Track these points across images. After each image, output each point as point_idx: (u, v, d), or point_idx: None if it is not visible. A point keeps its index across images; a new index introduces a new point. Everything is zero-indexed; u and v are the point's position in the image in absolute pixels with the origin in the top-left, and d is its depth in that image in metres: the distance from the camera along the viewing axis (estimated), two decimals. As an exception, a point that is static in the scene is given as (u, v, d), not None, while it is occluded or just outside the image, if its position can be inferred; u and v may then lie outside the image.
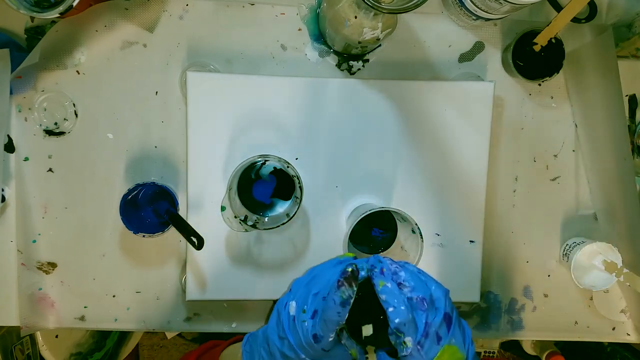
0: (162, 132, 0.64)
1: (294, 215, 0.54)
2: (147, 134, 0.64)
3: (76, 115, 0.63)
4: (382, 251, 0.61)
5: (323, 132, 0.62)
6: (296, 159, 0.62)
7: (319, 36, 0.64)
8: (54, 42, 0.60)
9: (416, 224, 0.54)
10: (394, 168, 0.63)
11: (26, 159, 0.63)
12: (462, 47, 0.65)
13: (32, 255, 0.64)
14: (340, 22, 0.52)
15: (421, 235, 0.54)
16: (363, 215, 0.54)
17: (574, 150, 0.68)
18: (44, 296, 0.65)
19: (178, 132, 0.64)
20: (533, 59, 0.63)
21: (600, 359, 0.95)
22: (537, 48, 0.62)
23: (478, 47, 0.65)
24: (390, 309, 0.41)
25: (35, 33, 0.63)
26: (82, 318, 0.66)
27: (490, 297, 0.69)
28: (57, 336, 0.88)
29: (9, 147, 0.63)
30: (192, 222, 0.60)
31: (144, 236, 0.59)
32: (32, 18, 0.62)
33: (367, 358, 0.43)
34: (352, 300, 0.40)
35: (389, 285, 0.42)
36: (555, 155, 0.67)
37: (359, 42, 0.55)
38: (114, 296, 0.65)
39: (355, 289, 0.40)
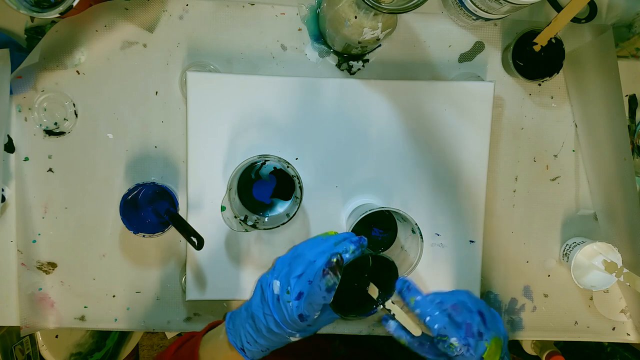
0: (162, 132, 0.64)
1: (294, 215, 0.54)
2: (147, 134, 0.64)
3: (76, 115, 0.63)
4: (382, 251, 0.61)
5: (323, 132, 0.62)
6: (296, 159, 0.62)
7: (319, 36, 0.64)
8: (54, 42, 0.60)
9: (416, 224, 0.54)
10: (394, 168, 0.63)
11: (26, 159, 0.63)
12: (462, 47, 0.65)
13: (32, 255, 0.64)
14: (340, 22, 0.52)
15: (421, 235, 0.54)
16: (363, 215, 0.54)
17: (574, 150, 0.68)
18: (44, 296, 0.65)
19: (178, 132, 0.64)
20: (533, 59, 0.63)
21: (600, 359, 0.95)
22: (537, 48, 0.62)
23: (478, 47, 0.65)
24: (427, 318, 0.45)
25: (35, 33, 0.63)
26: (82, 318, 0.66)
27: (490, 297, 0.69)
28: (57, 336, 0.88)
29: (9, 147, 0.63)
30: (192, 222, 0.60)
31: (144, 236, 0.59)
32: (32, 18, 0.62)
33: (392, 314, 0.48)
34: (336, 286, 0.43)
35: (418, 298, 0.46)
36: (555, 155, 0.67)
37: (359, 42, 0.55)
38: (114, 296, 0.65)
39: (339, 276, 0.43)
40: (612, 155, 0.64)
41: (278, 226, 0.54)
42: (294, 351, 0.71)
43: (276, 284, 0.46)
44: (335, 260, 0.43)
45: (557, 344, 1.09)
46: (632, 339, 0.70)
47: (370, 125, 0.62)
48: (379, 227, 0.62)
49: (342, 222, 0.63)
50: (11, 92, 0.61)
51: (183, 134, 0.63)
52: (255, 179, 0.59)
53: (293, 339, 0.48)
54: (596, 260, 0.63)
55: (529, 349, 1.12)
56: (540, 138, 0.67)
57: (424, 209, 0.63)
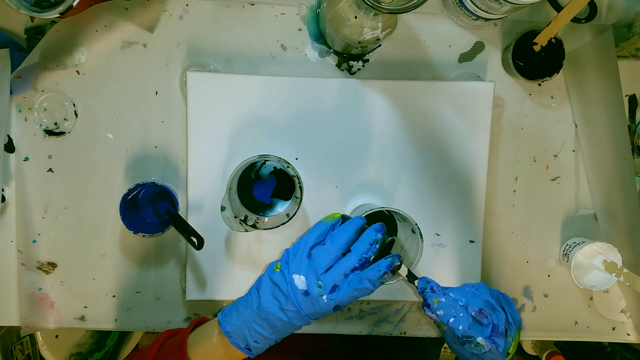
0: (162, 132, 0.64)
1: (294, 215, 0.54)
2: (147, 134, 0.64)
3: (76, 115, 0.63)
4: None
5: (323, 132, 0.62)
6: (296, 159, 0.62)
7: (319, 36, 0.64)
8: (54, 42, 0.60)
9: (416, 224, 0.54)
10: (393, 168, 0.63)
11: (26, 159, 0.63)
12: (462, 47, 0.65)
13: (32, 255, 0.64)
14: (340, 22, 0.52)
15: (421, 235, 0.54)
16: (363, 216, 0.54)
17: (574, 150, 0.68)
18: (44, 296, 0.65)
19: (178, 132, 0.64)
20: (533, 59, 0.63)
21: (600, 359, 0.95)
22: (537, 48, 0.62)
23: (478, 47, 0.65)
24: (451, 320, 0.46)
25: (35, 33, 0.63)
26: (82, 318, 0.66)
27: (490, 297, 0.69)
28: (57, 336, 0.88)
29: (9, 147, 0.63)
30: (192, 222, 0.60)
31: (144, 236, 0.59)
32: (32, 18, 0.62)
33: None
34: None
35: (443, 300, 0.47)
36: (555, 155, 0.67)
37: (359, 42, 0.55)
38: (114, 296, 0.65)
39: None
40: (612, 155, 0.64)
41: (278, 226, 0.54)
42: (295, 349, 0.71)
43: (300, 279, 0.46)
44: (398, 263, 0.46)
45: (557, 344, 1.09)
46: (632, 339, 0.70)
47: (370, 125, 0.62)
48: (379, 227, 0.62)
49: (342, 222, 0.63)
50: (11, 92, 0.61)
51: (183, 134, 0.63)
52: (255, 179, 0.59)
53: (305, 326, 0.50)
54: (596, 260, 0.63)
55: (529, 349, 1.12)
56: (540, 138, 0.67)
57: (424, 208, 0.63)
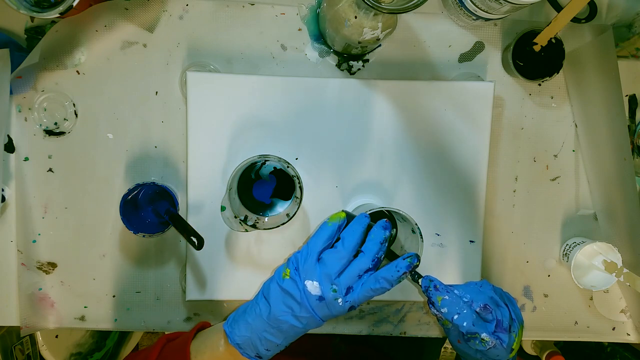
0: (162, 132, 0.64)
1: (294, 215, 0.54)
2: (147, 134, 0.64)
3: (76, 115, 0.63)
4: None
5: (323, 132, 0.62)
6: (296, 159, 0.62)
7: (319, 36, 0.64)
8: (54, 42, 0.60)
9: (416, 224, 0.54)
10: (394, 168, 0.63)
11: (26, 159, 0.63)
12: (462, 47, 0.65)
13: (32, 255, 0.64)
14: (340, 22, 0.52)
15: (421, 235, 0.54)
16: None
17: (574, 150, 0.68)
18: (44, 296, 0.65)
19: (178, 132, 0.64)
20: (533, 59, 0.63)
21: (600, 359, 0.95)
22: (537, 48, 0.62)
23: (478, 47, 0.65)
24: (456, 316, 0.46)
25: (35, 33, 0.63)
26: (82, 318, 0.66)
27: (490, 297, 0.69)
28: (57, 336, 0.88)
29: (9, 147, 0.63)
30: (192, 222, 0.60)
31: (144, 236, 0.59)
32: (32, 18, 0.62)
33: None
34: None
35: (446, 297, 0.47)
36: (555, 155, 0.67)
37: (359, 42, 0.55)
38: (114, 296, 0.66)
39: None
40: (612, 155, 0.64)
41: (278, 226, 0.54)
42: (296, 349, 0.71)
43: (313, 285, 0.46)
44: (417, 263, 0.47)
45: (557, 344, 1.09)
46: (632, 339, 0.70)
47: (370, 125, 0.62)
48: (379, 227, 0.62)
49: (342, 222, 0.63)
50: (11, 92, 0.61)
51: (183, 134, 0.63)
52: (255, 179, 0.59)
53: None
54: (596, 260, 0.63)
55: (529, 349, 1.12)
56: (540, 138, 0.67)
57: (424, 209, 0.63)
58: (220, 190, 0.60)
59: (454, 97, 0.62)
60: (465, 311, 0.46)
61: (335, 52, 0.64)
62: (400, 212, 0.54)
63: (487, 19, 0.60)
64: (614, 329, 0.70)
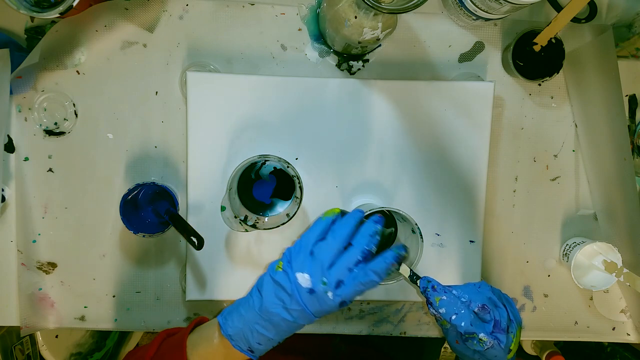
0: (162, 132, 0.64)
1: (294, 215, 0.54)
2: (147, 134, 0.64)
3: (76, 115, 0.63)
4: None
5: (323, 132, 0.62)
6: (296, 159, 0.62)
7: (319, 36, 0.64)
8: (54, 42, 0.60)
9: (416, 224, 0.54)
10: (393, 168, 0.63)
11: (26, 159, 0.63)
12: (462, 47, 0.65)
13: (32, 255, 0.64)
14: (340, 22, 0.52)
15: (421, 235, 0.54)
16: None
17: (574, 150, 0.68)
18: (44, 296, 0.65)
19: (178, 132, 0.64)
20: (533, 59, 0.63)
21: (600, 359, 0.95)
22: (537, 48, 0.62)
23: (478, 47, 0.65)
24: (454, 317, 0.46)
25: (35, 33, 0.63)
26: (82, 318, 0.66)
27: (490, 297, 0.69)
28: (57, 336, 0.88)
29: (9, 147, 0.63)
30: (192, 222, 0.60)
31: (144, 236, 0.59)
32: (32, 18, 0.62)
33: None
34: None
35: (444, 297, 0.47)
36: (555, 155, 0.67)
37: (359, 42, 0.55)
38: (114, 296, 0.65)
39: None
40: (612, 155, 0.64)
41: (278, 226, 0.54)
42: (295, 349, 0.71)
43: (304, 277, 0.46)
44: (404, 254, 0.47)
45: (557, 344, 1.09)
46: (632, 339, 0.70)
47: (370, 125, 0.62)
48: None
49: (342, 222, 0.63)
50: (11, 92, 0.61)
51: (183, 134, 0.63)
52: (255, 179, 0.59)
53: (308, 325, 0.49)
54: (596, 260, 0.63)
55: (529, 349, 1.12)
56: (540, 138, 0.67)
57: (424, 208, 0.63)
58: (220, 190, 0.60)
59: (454, 97, 0.62)
60: (463, 311, 0.46)
61: (335, 52, 0.64)
62: (400, 212, 0.54)
63: (487, 19, 0.60)
64: (614, 329, 0.70)
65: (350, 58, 0.64)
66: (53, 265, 0.65)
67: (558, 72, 0.63)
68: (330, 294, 0.45)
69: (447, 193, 0.63)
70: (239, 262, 0.63)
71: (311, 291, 0.45)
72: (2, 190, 0.62)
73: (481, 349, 0.46)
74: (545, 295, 0.69)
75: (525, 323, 0.69)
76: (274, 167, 0.58)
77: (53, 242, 0.64)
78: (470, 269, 0.64)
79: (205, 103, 0.60)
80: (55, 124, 0.63)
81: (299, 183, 0.54)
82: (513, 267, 0.68)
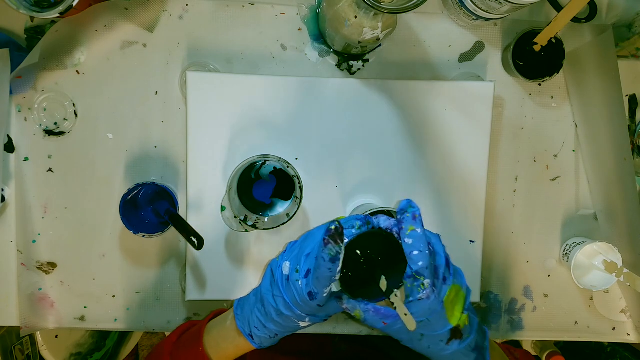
0: (162, 132, 0.64)
1: (294, 215, 0.54)
2: (147, 134, 0.64)
3: (76, 115, 0.63)
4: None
5: (323, 132, 0.62)
6: (296, 159, 0.62)
7: (319, 36, 0.64)
8: (53, 42, 0.60)
9: (416, 224, 0.54)
10: (393, 168, 0.63)
11: (26, 159, 0.63)
12: (462, 47, 0.65)
13: (32, 255, 0.64)
14: (340, 22, 0.52)
15: (421, 235, 0.54)
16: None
17: (574, 150, 0.68)
18: (44, 296, 0.65)
19: (178, 132, 0.64)
20: (533, 59, 0.63)
21: (600, 359, 0.95)
22: (537, 48, 0.62)
23: (478, 47, 0.65)
24: (415, 252, 0.42)
25: (35, 33, 0.63)
26: (82, 318, 0.66)
27: (490, 297, 0.69)
28: (57, 336, 0.88)
29: (9, 147, 0.63)
30: (192, 222, 0.60)
31: (144, 236, 0.59)
32: (32, 18, 0.62)
33: (394, 307, 0.43)
34: (340, 256, 0.41)
35: (418, 230, 0.42)
36: (555, 155, 0.67)
37: (359, 42, 0.55)
38: (114, 296, 0.65)
39: (342, 245, 0.41)
40: (612, 155, 0.64)
41: (278, 226, 0.54)
42: (295, 349, 0.71)
43: (286, 265, 0.45)
44: (334, 227, 0.40)
45: (557, 344, 1.09)
46: (632, 339, 0.70)
47: (370, 125, 0.62)
48: (379, 227, 0.62)
49: (342, 222, 0.63)
50: (11, 92, 0.61)
51: (183, 134, 0.63)
52: (255, 179, 0.59)
53: (303, 324, 0.47)
54: (596, 260, 0.63)
55: (529, 349, 1.12)
56: (540, 138, 0.67)
57: (424, 209, 0.63)
58: (220, 190, 0.60)
59: (454, 97, 0.62)
60: (426, 252, 0.42)
61: (335, 52, 0.64)
62: (400, 212, 0.54)
63: (487, 19, 0.60)
64: (614, 329, 0.70)
65: (350, 58, 0.64)
66: (53, 265, 0.65)
67: (558, 72, 0.63)
68: (300, 282, 0.43)
69: (447, 193, 0.63)
70: (239, 262, 0.63)
71: (288, 278, 0.45)
72: (2, 190, 0.62)
73: (414, 296, 0.42)
74: (546, 296, 0.69)
75: (525, 323, 0.69)
76: (274, 167, 0.58)
77: (53, 242, 0.64)
78: (470, 269, 0.64)
79: (205, 103, 0.60)
80: (55, 124, 0.63)
81: (299, 183, 0.54)
82: (513, 267, 0.68)
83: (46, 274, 0.65)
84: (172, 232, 0.64)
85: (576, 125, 0.67)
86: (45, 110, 0.63)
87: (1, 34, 0.61)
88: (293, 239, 0.62)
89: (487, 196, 0.64)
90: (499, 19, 0.63)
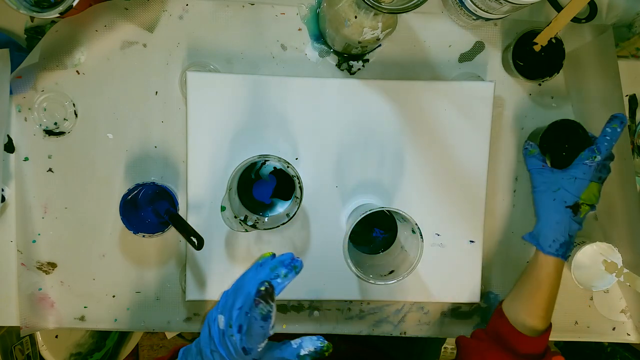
0: (162, 132, 0.64)
1: (294, 215, 0.54)
2: (147, 134, 0.64)
3: (76, 115, 0.63)
4: (382, 251, 0.61)
5: (323, 132, 0.62)
6: (296, 159, 0.62)
7: (319, 36, 0.64)
8: (53, 42, 0.60)
9: (416, 224, 0.54)
10: (393, 168, 0.63)
11: (26, 159, 0.63)
12: (462, 47, 0.65)
13: (32, 255, 0.64)
14: (340, 22, 0.52)
15: (421, 235, 0.54)
16: (363, 215, 0.54)
17: (574, 150, 0.68)
18: (44, 296, 0.65)
19: (178, 132, 0.64)
20: (533, 59, 0.63)
21: (600, 359, 0.95)
22: (537, 48, 0.62)
23: (478, 47, 0.65)
24: (606, 144, 0.58)
25: (35, 33, 0.63)
26: (82, 318, 0.66)
27: (490, 297, 0.69)
28: (57, 336, 0.88)
29: (9, 147, 0.63)
30: (192, 222, 0.60)
31: (144, 236, 0.59)
32: (32, 18, 0.62)
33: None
34: (272, 314, 0.41)
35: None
36: (555, 155, 0.67)
37: (359, 42, 0.55)
38: (113, 296, 0.65)
39: (272, 303, 0.41)
40: (612, 155, 0.64)
41: (278, 226, 0.54)
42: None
43: (221, 319, 0.44)
44: (263, 288, 0.41)
45: (557, 344, 1.09)
46: (632, 339, 0.70)
47: (370, 125, 0.62)
48: (379, 227, 0.62)
49: (342, 222, 0.63)
50: (11, 92, 0.61)
51: (183, 134, 0.63)
52: (255, 179, 0.59)
53: None
54: (596, 260, 0.63)
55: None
56: (540, 138, 0.67)
57: (424, 209, 0.63)
58: (220, 190, 0.60)
59: (454, 97, 0.62)
60: (612, 143, 0.58)
61: (335, 52, 0.64)
62: (400, 212, 0.54)
63: (487, 19, 0.60)
64: (614, 329, 0.70)
65: (350, 58, 0.64)
66: (53, 265, 0.65)
67: (558, 72, 0.63)
68: (234, 338, 0.43)
69: (447, 193, 0.63)
70: (239, 262, 0.63)
71: (223, 333, 0.44)
72: (2, 190, 0.62)
73: (589, 162, 0.57)
74: (545, 295, 0.69)
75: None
76: (274, 167, 0.58)
77: (53, 242, 0.64)
78: (470, 269, 0.64)
79: (205, 103, 0.60)
80: (55, 124, 0.63)
81: (299, 183, 0.54)
82: (513, 267, 0.68)
83: (46, 274, 0.65)
84: (172, 232, 0.64)
85: (576, 125, 0.67)
86: (45, 110, 0.63)
87: (1, 34, 0.61)
88: (293, 239, 0.63)
89: (487, 196, 0.64)
90: (499, 19, 0.63)
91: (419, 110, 0.62)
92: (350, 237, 0.55)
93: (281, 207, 0.58)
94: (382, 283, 0.54)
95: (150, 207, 0.61)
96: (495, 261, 0.68)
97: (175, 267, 0.66)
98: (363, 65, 0.65)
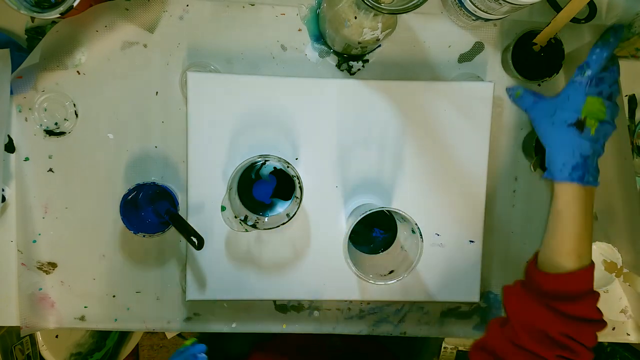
0: (162, 132, 0.64)
1: (294, 215, 0.54)
2: (147, 134, 0.64)
3: (76, 115, 0.63)
4: (382, 251, 0.61)
5: (323, 132, 0.62)
6: (296, 159, 0.62)
7: (319, 36, 0.64)
8: (54, 42, 0.60)
9: (416, 224, 0.54)
10: (394, 168, 0.63)
11: (26, 159, 0.63)
12: (461, 47, 0.65)
13: (32, 255, 0.64)
14: (340, 22, 0.53)
15: (421, 235, 0.54)
16: (363, 215, 0.54)
17: (573, 151, 0.67)
18: (44, 296, 0.65)
19: (178, 132, 0.64)
20: (532, 60, 0.63)
21: (600, 359, 0.95)
22: (537, 48, 0.62)
23: (478, 48, 0.66)
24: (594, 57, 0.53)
25: (36, 33, 0.63)
26: (82, 318, 0.66)
27: (490, 297, 0.69)
28: (57, 336, 0.88)
29: (9, 147, 0.63)
30: (192, 222, 0.60)
31: (144, 236, 0.59)
32: (33, 18, 0.62)
33: None
34: None
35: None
36: (555, 156, 0.67)
37: (359, 43, 0.55)
38: (114, 296, 0.66)
39: None
40: (612, 155, 0.64)
41: (278, 226, 0.54)
42: (290, 344, 0.71)
43: None
44: None
45: (557, 344, 1.09)
46: (632, 339, 0.70)
47: (370, 126, 0.62)
48: (379, 227, 0.62)
49: (342, 222, 0.63)
50: (11, 92, 0.61)
51: (183, 134, 0.63)
52: (255, 179, 0.59)
53: None
54: (596, 260, 0.63)
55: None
56: (540, 138, 0.67)
57: (424, 209, 0.63)
58: (220, 190, 0.60)
59: (453, 97, 0.62)
60: (600, 61, 0.53)
61: (335, 53, 0.64)
62: (400, 212, 0.54)
63: (486, 20, 0.60)
64: (614, 329, 0.70)
65: (350, 58, 0.64)
66: (53, 265, 0.65)
67: (558, 72, 0.63)
68: None
69: (447, 193, 0.63)
70: (239, 262, 0.63)
71: None
72: (3, 190, 0.62)
73: (579, 78, 0.52)
74: (545, 296, 0.69)
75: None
76: (274, 167, 0.58)
77: (53, 242, 0.64)
78: (470, 269, 0.64)
79: (205, 103, 0.60)
80: (56, 124, 0.63)
81: (299, 183, 0.54)
82: (513, 267, 0.68)
83: (46, 274, 0.65)
84: (172, 232, 0.65)
85: (576, 126, 0.67)
86: (45, 110, 0.63)
87: (1, 34, 0.62)
88: (293, 239, 0.63)
89: (487, 196, 0.64)
90: (498, 20, 0.63)
91: (418, 110, 0.62)
92: (350, 237, 0.55)
93: (281, 207, 0.58)
94: (382, 283, 0.54)
95: (151, 207, 0.61)
96: (495, 261, 0.68)
97: (175, 267, 0.66)
98: (363, 66, 0.65)
